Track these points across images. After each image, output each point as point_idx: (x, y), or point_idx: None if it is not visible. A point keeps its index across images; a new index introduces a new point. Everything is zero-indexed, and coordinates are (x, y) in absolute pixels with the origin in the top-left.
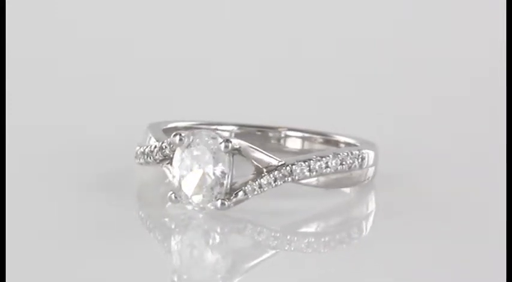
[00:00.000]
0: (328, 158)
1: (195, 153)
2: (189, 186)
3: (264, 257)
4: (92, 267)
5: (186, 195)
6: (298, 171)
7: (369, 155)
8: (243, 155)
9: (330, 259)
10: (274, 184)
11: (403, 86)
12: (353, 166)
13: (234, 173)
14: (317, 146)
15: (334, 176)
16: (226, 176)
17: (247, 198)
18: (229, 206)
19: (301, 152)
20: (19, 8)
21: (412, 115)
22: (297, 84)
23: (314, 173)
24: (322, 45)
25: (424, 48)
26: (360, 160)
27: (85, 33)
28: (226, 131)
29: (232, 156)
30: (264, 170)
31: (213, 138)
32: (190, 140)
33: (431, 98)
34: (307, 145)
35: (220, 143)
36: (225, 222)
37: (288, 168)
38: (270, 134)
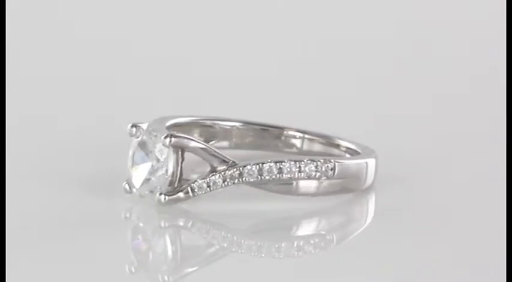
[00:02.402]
0: (283, 163)
1: (147, 145)
2: (137, 178)
3: (211, 257)
4: (71, 258)
5: (135, 187)
6: (250, 173)
7: (368, 163)
8: (191, 152)
9: (279, 266)
10: (223, 184)
11: (403, 86)
12: (314, 175)
13: (181, 168)
14: (316, 148)
15: (328, 184)
16: (165, 170)
17: (194, 196)
18: (170, 202)
19: (300, 152)
20: (16, 7)
21: (411, 115)
22: (301, 84)
23: (267, 177)
24: (322, 45)
25: (423, 48)
26: (326, 170)
27: (84, 33)
28: (228, 126)
29: (181, 151)
30: (218, 169)
31: (161, 132)
32: (144, 132)
33: (431, 98)
34: (306, 146)
35: (165, 137)
36: (173, 218)
37: (238, 169)
38: (272, 133)
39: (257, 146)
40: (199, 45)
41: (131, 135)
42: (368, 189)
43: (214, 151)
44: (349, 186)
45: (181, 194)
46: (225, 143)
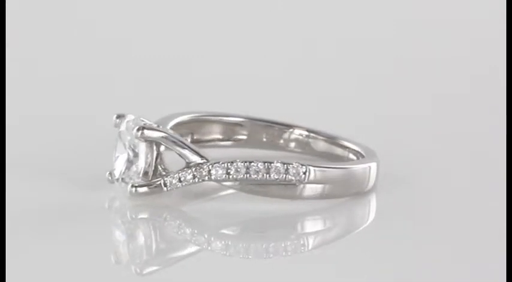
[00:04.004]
0: (252, 163)
1: (127, 136)
2: (118, 169)
3: (182, 253)
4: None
5: (115, 177)
6: (219, 172)
7: (372, 167)
8: (166, 146)
9: (245, 266)
10: (192, 181)
11: (403, 86)
12: (284, 178)
13: (153, 160)
14: (321, 147)
15: (327, 187)
16: (134, 162)
17: (168, 190)
18: (142, 194)
19: (303, 152)
20: (16, 7)
21: (411, 115)
22: (301, 84)
23: (234, 176)
24: (322, 45)
25: (423, 48)
26: (297, 173)
27: (85, 32)
28: (232, 122)
29: (155, 144)
30: (190, 164)
31: (135, 124)
32: (125, 123)
33: (431, 98)
34: (311, 145)
35: (137, 130)
36: (150, 211)
37: (207, 167)
38: (276, 130)
39: (260, 143)
40: (203, 45)
41: (116, 126)
42: (368, 190)
43: (187, 146)
44: (352, 189)
45: (146, 188)
46: (227, 141)
